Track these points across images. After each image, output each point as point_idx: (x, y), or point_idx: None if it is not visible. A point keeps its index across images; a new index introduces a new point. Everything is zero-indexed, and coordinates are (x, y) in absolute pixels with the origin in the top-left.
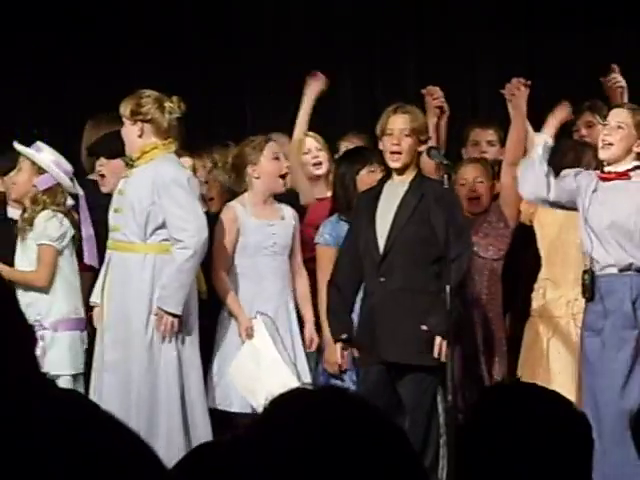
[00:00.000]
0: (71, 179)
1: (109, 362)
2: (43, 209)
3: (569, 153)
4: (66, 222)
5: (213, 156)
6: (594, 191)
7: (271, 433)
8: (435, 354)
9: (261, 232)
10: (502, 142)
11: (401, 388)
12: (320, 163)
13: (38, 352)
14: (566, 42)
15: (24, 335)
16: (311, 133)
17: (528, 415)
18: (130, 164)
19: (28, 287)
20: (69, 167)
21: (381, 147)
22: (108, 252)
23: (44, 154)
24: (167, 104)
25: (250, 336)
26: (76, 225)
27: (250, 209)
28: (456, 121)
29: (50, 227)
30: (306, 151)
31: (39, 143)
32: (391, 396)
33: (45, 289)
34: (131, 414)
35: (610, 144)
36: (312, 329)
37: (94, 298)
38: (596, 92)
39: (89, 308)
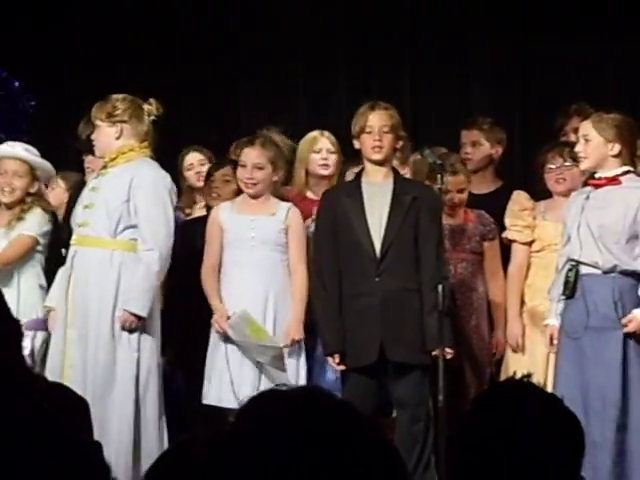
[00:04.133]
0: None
1: (75, 358)
2: (30, 208)
3: None
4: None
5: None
6: (586, 198)
7: (244, 433)
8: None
9: (239, 226)
10: (494, 141)
11: (400, 386)
12: (327, 165)
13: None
14: (561, 47)
15: (10, 329)
16: (326, 133)
17: (521, 413)
18: (104, 165)
19: None
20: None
21: (358, 146)
22: (72, 248)
23: (30, 153)
24: (145, 106)
25: (220, 327)
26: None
27: (237, 206)
28: (452, 127)
29: (43, 224)
30: (317, 150)
31: (10, 142)
32: (378, 397)
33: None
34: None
35: (584, 157)
36: (295, 327)
37: (49, 302)
38: (589, 95)
39: None
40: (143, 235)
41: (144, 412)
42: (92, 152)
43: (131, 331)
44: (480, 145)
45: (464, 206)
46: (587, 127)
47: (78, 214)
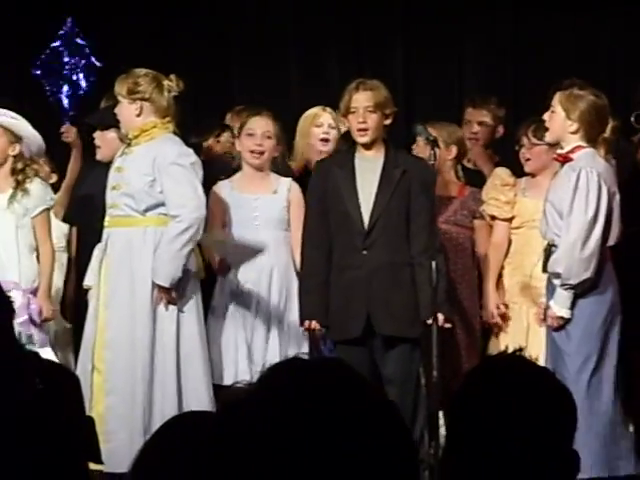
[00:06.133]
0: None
1: (112, 339)
2: (27, 177)
3: None
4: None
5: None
6: (555, 174)
7: (267, 399)
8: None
9: (243, 206)
10: (497, 120)
11: (389, 361)
12: (328, 140)
13: None
14: (553, 23)
15: (1, 307)
16: (329, 109)
17: (514, 387)
18: (128, 142)
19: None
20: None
21: (347, 125)
22: (106, 231)
23: (19, 120)
24: (166, 82)
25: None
26: None
27: (237, 184)
28: (443, 103)
29: (50, 192)
30: (319, 124)
31: None
32: (371, 370)
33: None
34: (137, 389)
35: (547, 128)
36: None
37: (88, 281)
38: (582, 72)
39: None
40: (172, 211)
41: (186, 385)
42: (102, 127)
43: (168, 303)
44: (487, 125)
45: (485, 145)
46: (556, 99)
47: (107, 196)
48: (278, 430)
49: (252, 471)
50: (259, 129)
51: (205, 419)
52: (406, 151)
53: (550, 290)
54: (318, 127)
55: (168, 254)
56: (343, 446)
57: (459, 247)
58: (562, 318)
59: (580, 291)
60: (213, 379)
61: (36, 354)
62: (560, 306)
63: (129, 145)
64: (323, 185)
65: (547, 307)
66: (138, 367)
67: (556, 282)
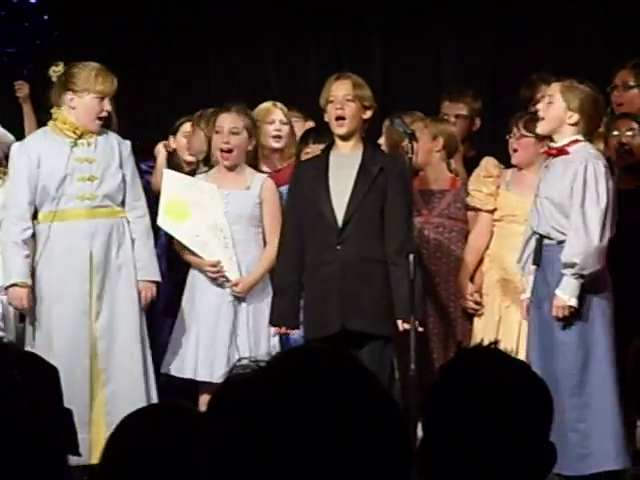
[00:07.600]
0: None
1: (102, 329)
2: None
3: None
4: None
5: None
6: (546, 167)
7: (275, 378)
8: (400, 329)
9: None
10: (474, 113)
11: (361, 355)
12: (280, 137)
13: None
14: (531, 19)
15: None
16: (280, 105)
17: (490, 379)
18: (79, 134)
19: None
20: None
21: (326, 118)
22: (92, 222)
23: None
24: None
25: (218, 271)
26: None
27: (212, 179)
28: (423, 98)
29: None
30: (270, 121)
31: None
32: None
33: None
34: (136, 371)
35: (542, 118)
36: (244, 282)
37: (21, 278)
38: (559, 64)
39: None
40: (131, 202)
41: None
42: None
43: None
44: (464, 118)
45: (462, 139)
46: (555, 89)
47: (75, 187)
48: (284, 408)
49: (252, 449)
50: (226, 126)
51: (172, 410)
52: (380, 149)
53: (540, 282)
54: (270, 124)
55: (151, 251)
56: (342, 435)
57: (452, 240)
58: (571, 307)
59: (588, 282)
60: (172, 370)
61: (14, 345)
62: (570, 295)
63: (80, 137)
64: (298, 188)
65: (530, 300)
66: (135, 349)
67: (566, 271)
